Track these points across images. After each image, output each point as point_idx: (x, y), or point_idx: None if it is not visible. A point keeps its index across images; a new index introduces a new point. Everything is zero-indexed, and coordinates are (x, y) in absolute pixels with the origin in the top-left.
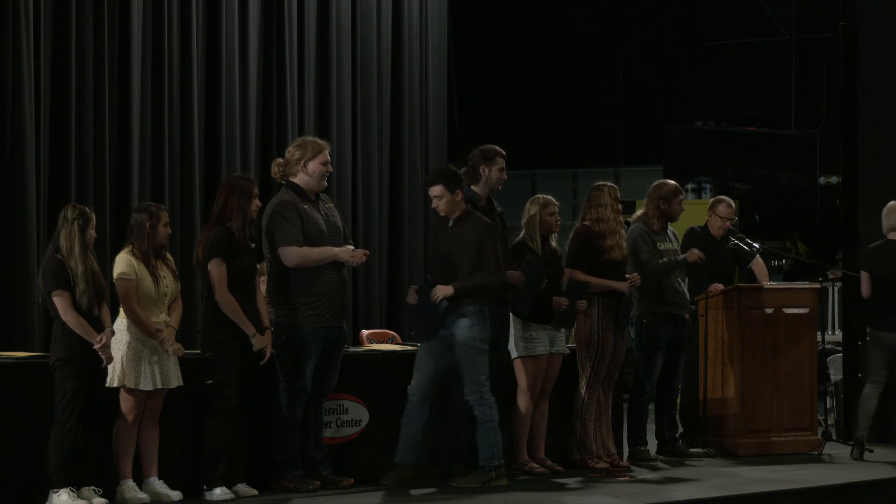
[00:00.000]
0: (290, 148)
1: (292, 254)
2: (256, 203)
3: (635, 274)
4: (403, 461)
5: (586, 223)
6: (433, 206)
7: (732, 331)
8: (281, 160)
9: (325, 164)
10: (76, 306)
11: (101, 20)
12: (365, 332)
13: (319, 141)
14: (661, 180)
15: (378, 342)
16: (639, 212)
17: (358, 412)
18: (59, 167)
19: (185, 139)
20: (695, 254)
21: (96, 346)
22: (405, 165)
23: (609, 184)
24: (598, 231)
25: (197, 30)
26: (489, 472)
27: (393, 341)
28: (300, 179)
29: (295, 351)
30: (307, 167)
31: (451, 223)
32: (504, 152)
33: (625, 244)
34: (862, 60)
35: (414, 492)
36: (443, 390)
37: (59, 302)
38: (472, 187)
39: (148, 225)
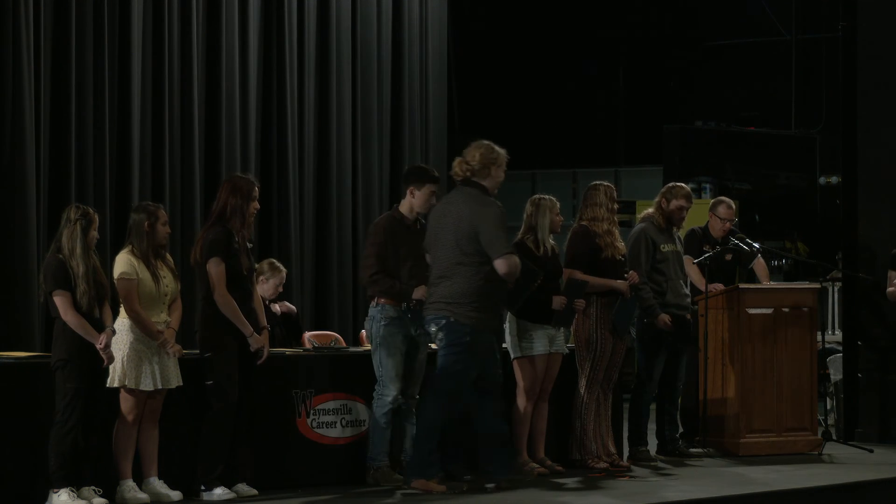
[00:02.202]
0: (475, 151)
1: (513, 264)
2: (255, 205)
3: (632, 272)
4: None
5: (583, 223)
6: (433, 203)
7: (732, 331)
8: (461, 159)
9: (504, 172)
10: (76, 307)
11: (101, 20)
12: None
13: (502, 150)
14: (678, 183)
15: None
16: (648, 209)
17: (362, 412)
18: (59, 167)
19: (185, 139)
20: (664, 318)
21: (98, 347)
22: (405, 165)
23: (605, 183)
24: (595, 230)
25: (197, 30)
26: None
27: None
28: (489, 183)
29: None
30: (495, 173)
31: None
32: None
33: (619, 243)
34: (862, 60)
35: (414, 492)
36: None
37: (60, 302)
38: None
39: (146, 224)
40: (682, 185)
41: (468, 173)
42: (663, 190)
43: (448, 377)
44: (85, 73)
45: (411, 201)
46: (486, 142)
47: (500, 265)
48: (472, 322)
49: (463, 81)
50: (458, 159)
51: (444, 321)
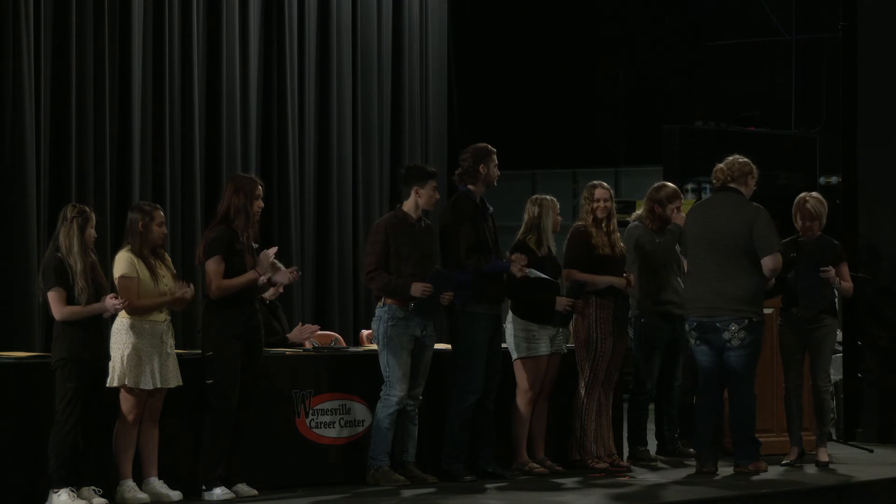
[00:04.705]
0: (734, 161)
1: (778, 261)
2: (259, 203)
3: (628, 273)
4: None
5: (579, 223)
6: (437, 197)
7: None
8: (721, 167)
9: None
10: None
11: (101, 21)
12: (364, 332)
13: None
14: (661, 182)
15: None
16: (638, 211)
17: (361, 412)
18: (59, 167)
19: (186, 139)
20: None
21: (106, 304)
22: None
23: (594, 182)
24: (586, 230)
25: (197, 30)
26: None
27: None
28: (745, 190)
29: None
30: (751, 182)
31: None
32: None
33: (601, 241)
34: (862, 60)
35: (414, 492)
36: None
37: (53, 298)
38: (470, 187)
39: (140, 224)
40: (665, 183)
41: (727, 179)
42: (652, 196)
43: (752, 367)
44: (85, 74)
45: (417, 200)
46: (742, 156)
47: (767, 262)
48: (763, 318)
49: (463, 81)
50: (718, 166)
51: (746, 321)
